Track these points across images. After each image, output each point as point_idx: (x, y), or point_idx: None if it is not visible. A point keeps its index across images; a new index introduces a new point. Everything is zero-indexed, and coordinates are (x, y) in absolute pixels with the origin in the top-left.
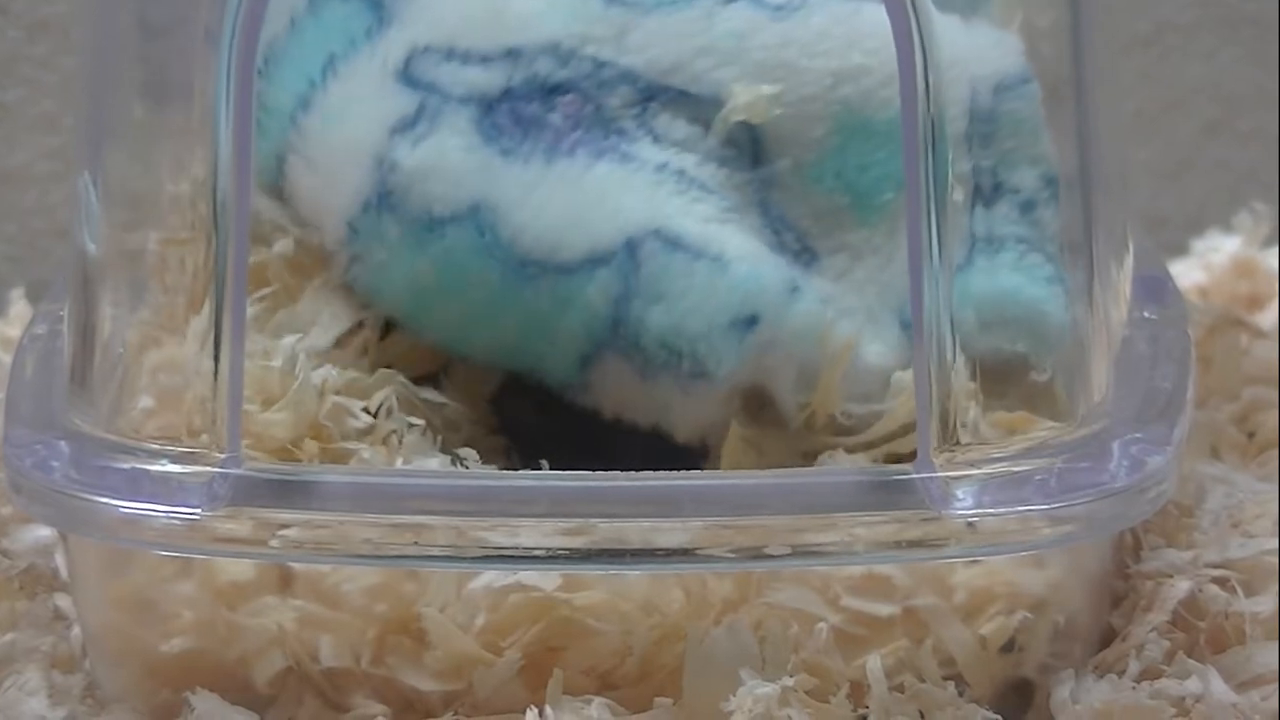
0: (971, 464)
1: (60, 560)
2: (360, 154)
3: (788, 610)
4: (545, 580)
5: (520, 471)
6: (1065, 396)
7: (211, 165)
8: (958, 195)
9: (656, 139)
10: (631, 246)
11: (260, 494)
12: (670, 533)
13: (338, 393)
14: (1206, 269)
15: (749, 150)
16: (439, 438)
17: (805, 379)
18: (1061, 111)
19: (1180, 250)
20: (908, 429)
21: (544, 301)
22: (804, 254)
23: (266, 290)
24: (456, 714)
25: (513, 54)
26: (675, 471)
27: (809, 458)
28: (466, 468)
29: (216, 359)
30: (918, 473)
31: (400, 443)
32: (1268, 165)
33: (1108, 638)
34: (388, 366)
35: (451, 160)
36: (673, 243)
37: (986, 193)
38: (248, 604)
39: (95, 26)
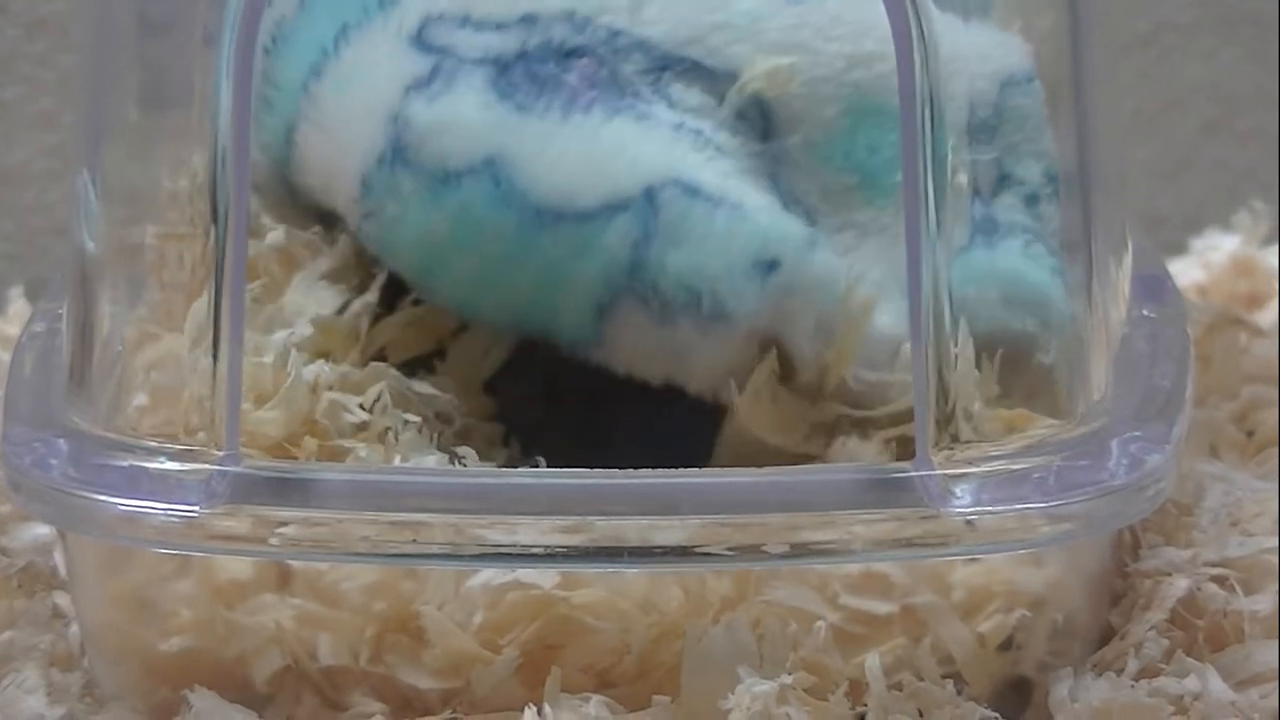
0: (970, 462)
1: (59, 558)
2: (374, 112)
3: (786, 608)
4: (543, 578)
5: (519, 469)
6: (1065, 393)
7: (210, 162)
8: (961, 179)
9: (671, 104)
10: (651, 193)
11: (258, 492)
12: (668, 531)
13: (330, 388)
14: (1205, 268)
15: (759, 125)
16: (436, 434)
17: (822, 332)
18: (1061, 111)
19: (1179, 249)
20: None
21: (561, 249)
22: (812, 229)
23: (256, 284)
24: (455, 712)
25: (527, 20)
26: (673, 469)
27: (819, 428)
28: (464, 465)
29: (215, 356)
30: (916, 471)
31: (397, 440)
32: (1267, 164)
33: (1106, 636)
34: (380, 351)
35: (467, 115)
36: (693, 190)
37: (991, 182)
38: (246, 602)
39: (93, 24)
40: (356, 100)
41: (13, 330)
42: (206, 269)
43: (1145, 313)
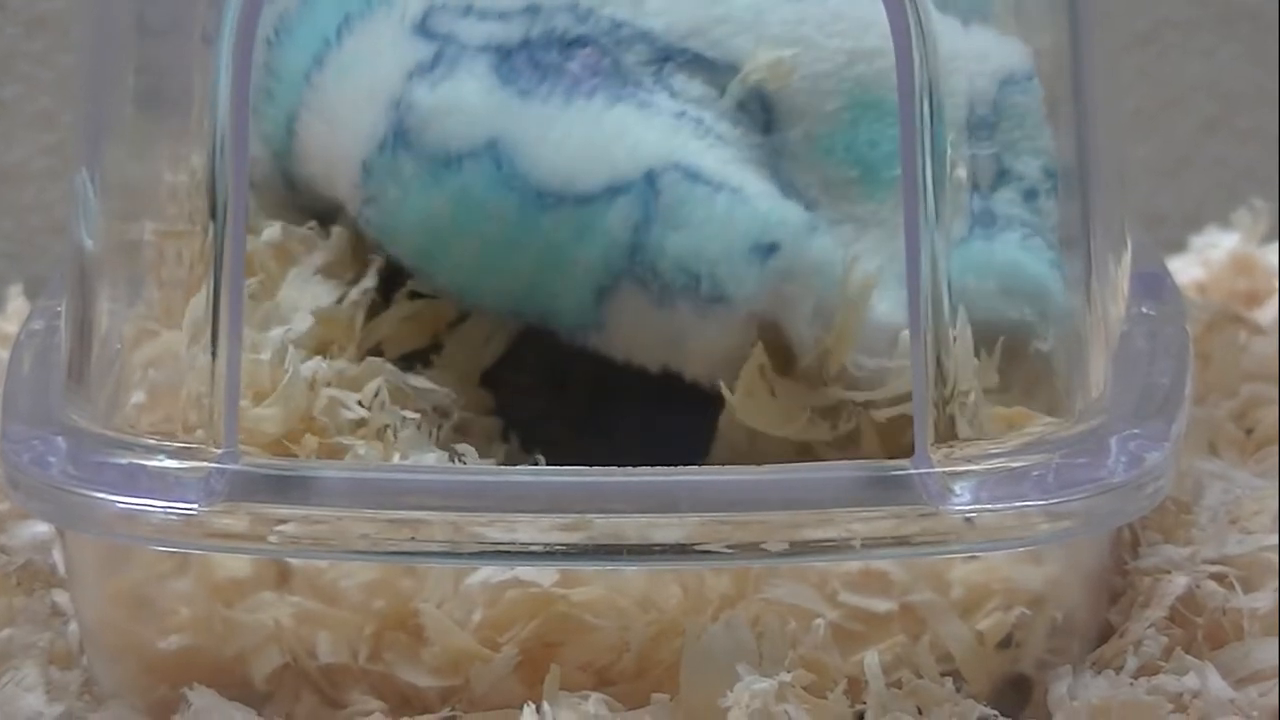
0: (969, 459)
1: (58, 556)
2: (376, 98)
3: (785, 606)
4: (542, 576)
5: (517, 467)
6: (1063, 385)
7: (209, 159)
8: (960, 173)
9: (673, 94)
10: (651, 177)
11: (257, 489)
12: (667, 528)
13: (328, 384)
14: (1205, 265)
15: (760, 118)
16: (434, 430)
17: (821, 316)
18: (1061, 108)
19: (1179, 247)
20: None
21: (562, 232)
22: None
23: (253, 280)
24: (453, 710)
25: (531, 9)
26: (673, 467)
27: (821, 413)
28: (464, 463)
29: (213, 354)
30: (915, 468)
31: (395, 437)
32: (1266, 162)
33: (1105, 634)
34: (376, 345)
35: (469, 99)
36: (693, 175)
37: (990, 176)
38: (245, 600)
39: (92, 23)
40: (359, 87)
41: (11, 328)
42: (205, 266)
43: (1144, 310)
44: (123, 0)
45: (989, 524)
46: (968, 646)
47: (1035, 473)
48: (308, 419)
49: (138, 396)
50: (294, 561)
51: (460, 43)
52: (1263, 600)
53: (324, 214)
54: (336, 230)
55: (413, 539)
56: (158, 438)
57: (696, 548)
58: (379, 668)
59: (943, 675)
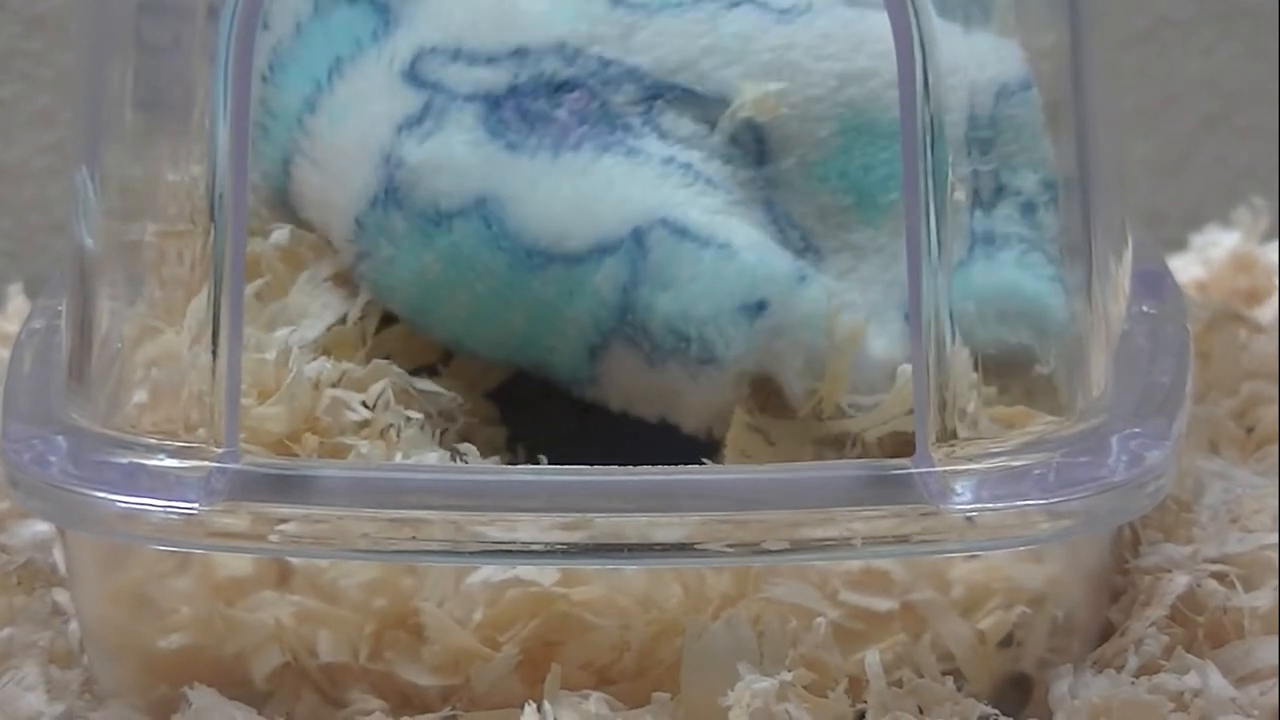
0: (970, 458)
1: (58, 555)
2: (367, 151)
3: (786, 605)
4: (543, 575)
5: (518, 466)
6: (1065, 391)
7: (209, 158)
8: (958, 194)
9: (662, 135)
10: (639, 234)
11: (258, 489)
12: (668, 527)
13: (333, 385)
14: (1205, 264)
15: (753, 149)
16: (438, 431)
17: (812, 367)
18: (1061, 108)
19: (1179, 245)
20: (910, 412)
21: (551, 291)
22: (808, 252)
23: (260, 282)
24: (454, 709)
25: (519, 53)
26: (673, 466)
27: (819, 444)
28: (465, 462)
29: (214, 353)
30: (916, 467)
31: (398, 437)
32: (1266, 160)
33: (1106, 633)
34: (385, 358)
35: (458, 155)
36: (680, 231)
37: (988, 194)
38: (245, 599)
39: (92, 21)
40: (350, 138)
41: (12, 327)
42: (206, 265)
43: (1145, 309)
44: None
45: (990, 523)
46: (969, 645)
47: (1036, 471)
48: (311, 419)
49: (139, 396)
50: (294, 561)
51: (449, 92)
52: (1263, 599)
53: None
54: None
55: (413, 538)
56: (158, 437)
57: (697, 547)
58: (379, 667)
59: (944, 674)
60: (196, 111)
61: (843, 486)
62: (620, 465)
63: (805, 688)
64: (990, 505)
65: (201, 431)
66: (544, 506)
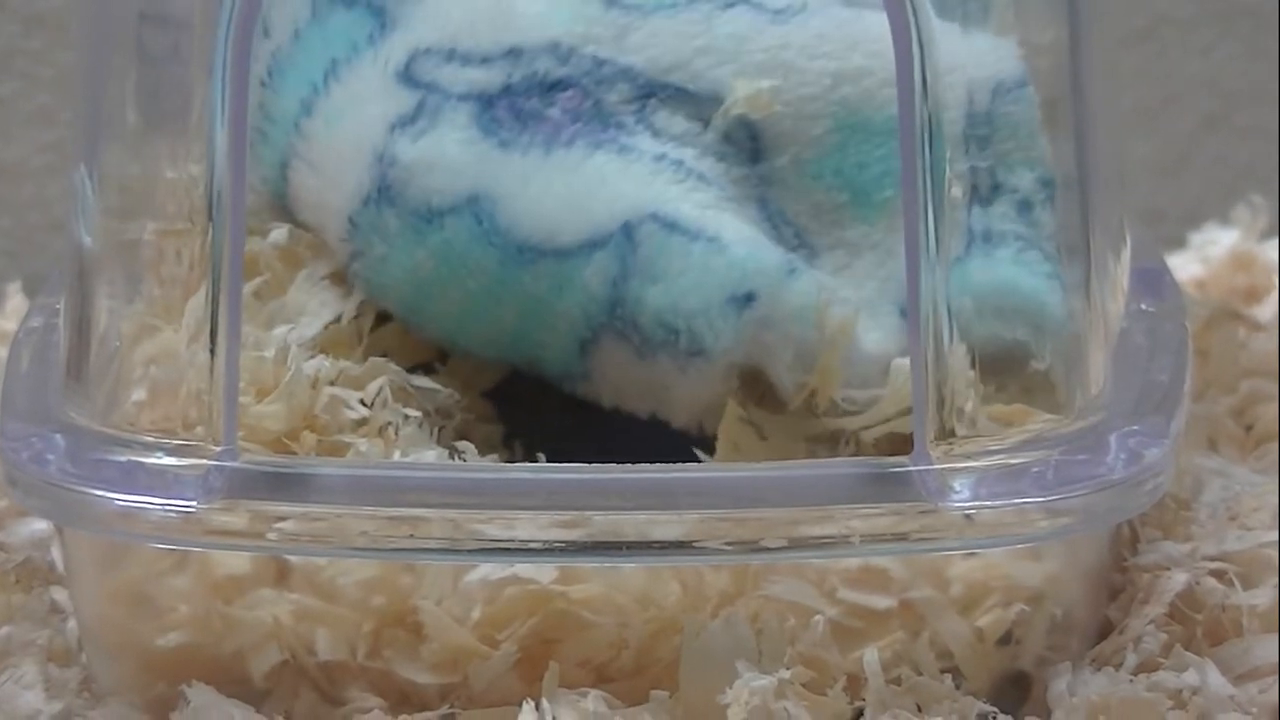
0: (968, 456)
1: (56, 554)
2: (361, 151)
3: (784, 603)
4: (541, 573)
5: (516, 464)
6: (1063, 389)
7: (208, 157)
8: (955, 191)
9: (655, 133)
10: (629, 229)
11: (256, 486)
12: (666, 525)
13: (331, 383)
14: (1204, 262)
15: (747, 147)
16: (435, 429)
17: (803, 360)
18: (1060, 106)
19: (1178, 243)
20: (905, 412)
21: (542, 286)
22: (802, 249)
23: (258, 280)
24: (452, 707)
25: (513, 53)
26: (671, 464)
27: (812, 441)
28: (463, 460)
29: (212, 351)
30: (914, 465)
31: (396, 435)
32: (1265, 159)
33: (1105, 630)
34: (381, 355)
35: (450, 153)
36: (670, 225)
37: (984, 191)
38: (244, 597)
39: (91, 20)
40: (345, 139)
41: (10, 325)
42: (204, 264)
43: (1144, 307)
44: None
45: (988, 520)
46: (967, 643)
47: (1034, 469)
48: (310, 417)
49: (137, 394)
50: (293, 559)
51: (442, 91)
52: (1262, 597)
53: None
54: None
55: (412, 536)
56: (157, 435)
57: (695, 545)
58: (378, 665)
59: (942, 672)
60: (195, 111)
61: (841, 484)
62: (617, 462)
63: (804, 685)
64: (989, 503)
65: (200, 429)
66: (542, 504)
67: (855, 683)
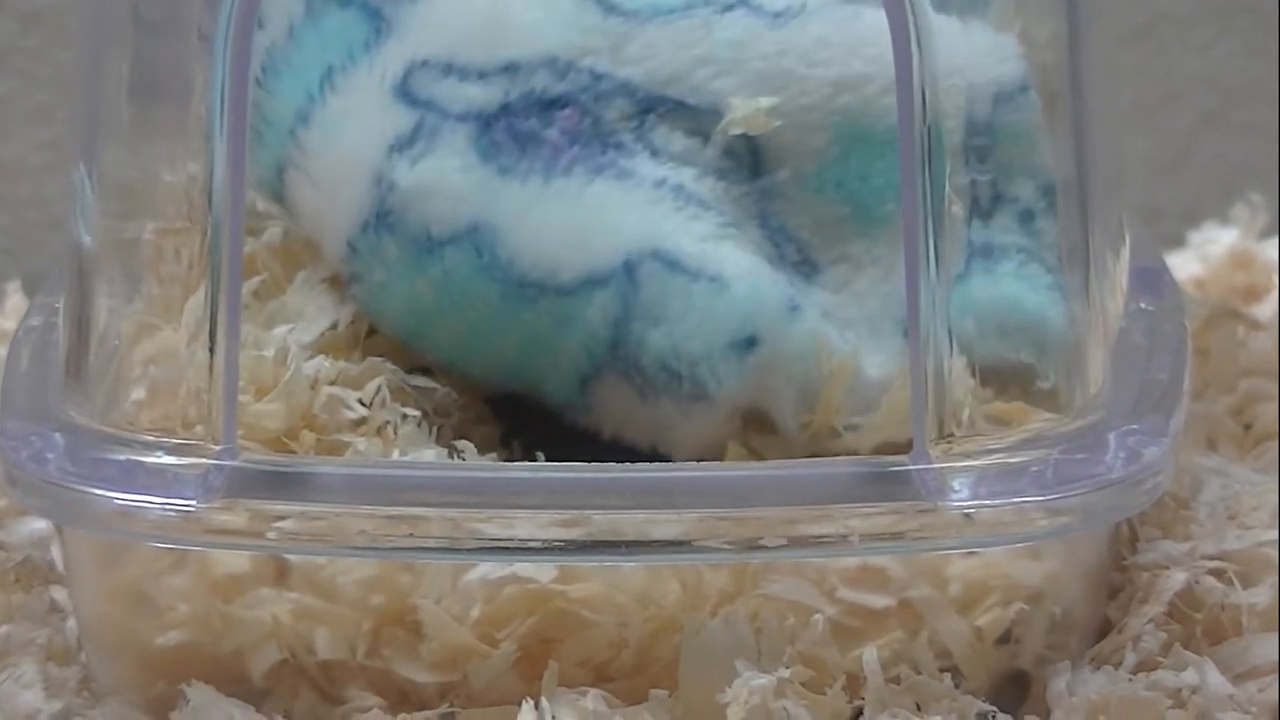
0: (968, 455)
1: (56, 553)
2: (359, 172)
3: (783, 602)
4: (541, 572)
5: (516, 463)
6: (1062, 388)
7: (207, 156)
8: (956, 208)
9: (655, 153)
10: (630, 267)
11: (256, 486)
12: (666, 524)
13: (330, 383)
14: (1203, 261)
15: (748, 161)
16: (434, 428)
17: (805, 399)
18: (1059, 108)
19: (1177, 242)
20: (902, 425)
21: (544, 322)
22: (804, 265)
23: (256, 280)
24: (452, 706)
25: (511, 68)
26: (670, 463)
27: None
28: (462, 459)
29: (212, 350)
30: (914, 464)
31: (395, 434)
32: (1265, 157)
33: (1104, 629)
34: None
35: (449, 180)
36: (671, 264)
37: (985, 204)
38: (243, 596)
39: (89, 18)
40: (342, 156)
41: (9, 324)
42: (203, 263)
43: (1143, 306)
44: None
45: (987, 519)
46: (966, 642)
47: (1034, 468)
48: (309, 416)
49: (136, 393)
50: (292, 558)
51: (440, 110)
52: (1261, 595)
53: None
54: None
55: (411, 535)
56: (156, 434)
57: (695, 544)
58: (377, 664)
59: (941, 671)
60: (194, 109)
61: (840, 483)
62: (616, 461)
63: (803, 684)
64: (988, 502)
65: (199, 428)
66: (542, 503)
67: (854, 682)
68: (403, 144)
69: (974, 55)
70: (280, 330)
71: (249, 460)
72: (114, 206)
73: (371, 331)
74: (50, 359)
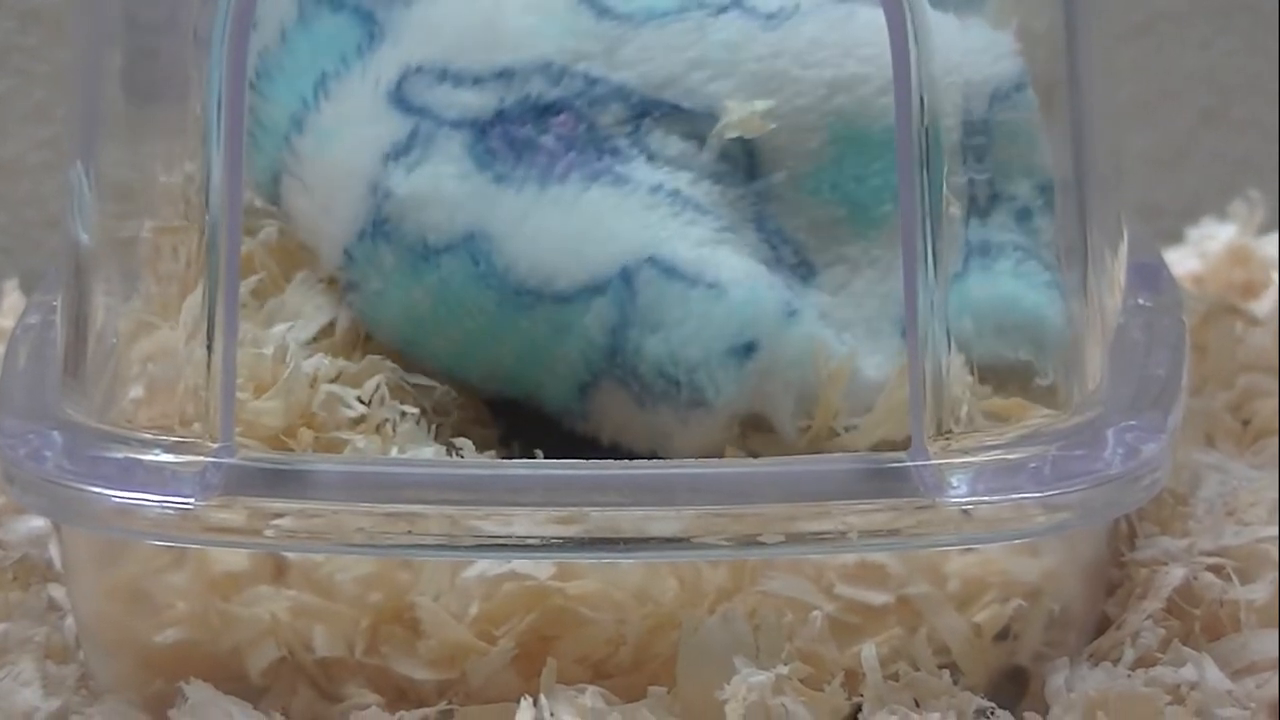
0: (966, 451)
1: (54, 551)
2: (354, 180)
3: (782, 599)
4: (539, 569)
5: (514, 461)
6: (1061, 385)
7: (204, 155)
8: (953, 208)
9: (651, 158)
10: (627, 275)
11: (254, 483)
12: (664, 521)
13: (329, 381)
14: (1201, 257)
15: (744, 164)
16: (432, 426)
17: (804, 403)
18: (1056, 105)
19: (1176, 238)
20: (899, 423)
21: (541, 330)
22: (801, 267)
23: (254, 278)
24: (450, 703)
25: (505, 74)
26: (669, 460)
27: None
28: (461, 457)
29: (210, 348)
30: (912, 460)
31: (394, 431)
32: (1263, 153)
33: (1103, 626)
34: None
35: (445, 188)
36: (668, 270)
37: (983, 202)
38: (241, 594)
39: (87, 17)
40: (338, 163)
41: (7, 323)
42: (201, 262)
43: (1141, 302)
44: None
45: (986, 516)
46: (964, 639)
47: (1032, 465)
48: (307, 414)
49: (134, 391)
50: (290, 555)
51: (435, 117)
52: (1260, 591)
53: None
54: None
55: (409, 532)
56: (154, 432)
57: (693, 540)
58: (375, 661)
59: (940, 667)
60: (191, 108)
61: (838, 480)
62: (615, 459)
63: (801, 681)
64: (986, 498)
65: (197, 426)
66: (540, 501)
67: (853, 678)
68: (398, 151)
69: (971, 53)
70: (279, 328)
71: (247, 458)
72: (112, 205)
73: (370, 335)
74: (48, 357)
